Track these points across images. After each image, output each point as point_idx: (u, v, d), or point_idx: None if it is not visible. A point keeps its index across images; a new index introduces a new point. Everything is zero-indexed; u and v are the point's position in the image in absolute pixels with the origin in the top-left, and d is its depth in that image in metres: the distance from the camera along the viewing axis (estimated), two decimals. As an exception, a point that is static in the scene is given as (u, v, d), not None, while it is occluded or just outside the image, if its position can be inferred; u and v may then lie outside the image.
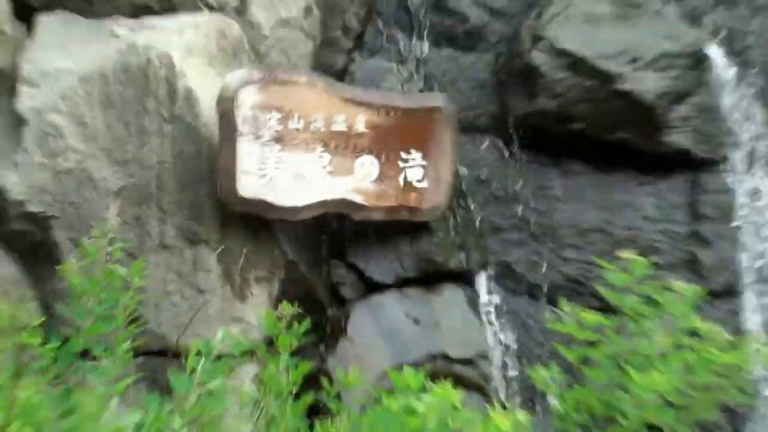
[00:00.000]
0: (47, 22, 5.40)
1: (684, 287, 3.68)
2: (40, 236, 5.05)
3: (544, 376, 3.74)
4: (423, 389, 3.34)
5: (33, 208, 5.00)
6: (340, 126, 5.21)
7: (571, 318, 3.77)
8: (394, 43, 6.01)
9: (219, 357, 3.43)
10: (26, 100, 5.01)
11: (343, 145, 5.20)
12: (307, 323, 3.86)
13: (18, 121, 5.02)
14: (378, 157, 5.30)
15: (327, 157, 5.16)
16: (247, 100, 5.00)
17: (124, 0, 5.49)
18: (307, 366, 3.87)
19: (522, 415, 3.40)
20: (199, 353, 3.41)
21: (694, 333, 3.62)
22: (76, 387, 3.47)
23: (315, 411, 3.92)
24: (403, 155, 5.33)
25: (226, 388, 3.32)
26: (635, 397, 3.40)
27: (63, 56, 5.19)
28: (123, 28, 5.31)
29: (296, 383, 3.74)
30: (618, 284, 3.71)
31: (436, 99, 5.48)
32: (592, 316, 3.68)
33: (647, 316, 3.65)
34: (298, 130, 5.10)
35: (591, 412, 3.58)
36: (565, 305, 3.79)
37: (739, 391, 3.45)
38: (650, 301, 3.69)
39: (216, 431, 3.30)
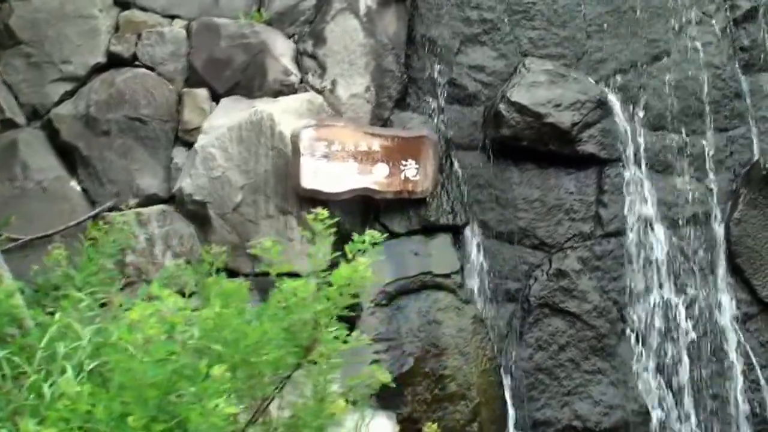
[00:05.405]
0: (224, 101, 8.93)
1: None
2: (202, 213, 8.40)
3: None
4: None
5: (198, 197, 8.34)
6: (362, 148, 8.53)
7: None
8: (426, 103, 9.38)
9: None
10: (199, 141, 8.63)
11: (365, 158, 8.51)
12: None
13: (194, 153, 8.64)
14: (387, 163, 8.57)
15: (355, 165, 8.49)
16: (305, 136, 8.35)
17: (268, 90, 9.05)
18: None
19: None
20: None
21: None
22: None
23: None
24: (403, 162, 8.59)
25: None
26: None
27: (223, 117, 8.77)
28: (259, 103, 8.87)
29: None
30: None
31: (423, 130, 8.80)
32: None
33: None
34: (337, 150, 8.45)
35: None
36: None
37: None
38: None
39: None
